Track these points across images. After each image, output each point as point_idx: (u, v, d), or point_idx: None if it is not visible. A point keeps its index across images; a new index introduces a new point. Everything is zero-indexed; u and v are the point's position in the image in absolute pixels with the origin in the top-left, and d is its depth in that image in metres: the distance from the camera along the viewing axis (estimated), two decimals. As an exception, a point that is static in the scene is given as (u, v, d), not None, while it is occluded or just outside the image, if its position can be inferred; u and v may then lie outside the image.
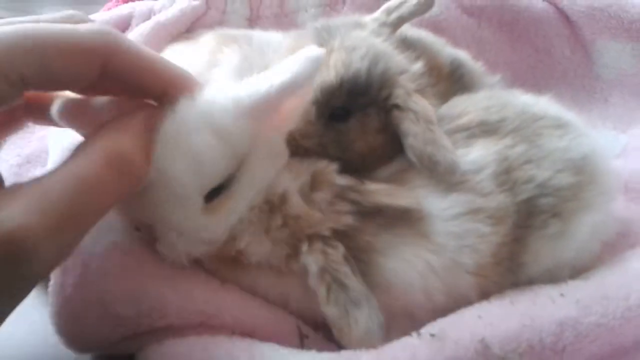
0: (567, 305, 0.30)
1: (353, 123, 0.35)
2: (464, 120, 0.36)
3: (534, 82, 0.53)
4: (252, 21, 0.54)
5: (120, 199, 0.26)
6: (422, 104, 0.35)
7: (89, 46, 0.27)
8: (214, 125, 0.29)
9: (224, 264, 0.33)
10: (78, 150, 0.26)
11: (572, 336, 0.29)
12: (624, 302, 0.31)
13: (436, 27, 0.51)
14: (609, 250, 0.36)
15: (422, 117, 0.34)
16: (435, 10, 0.52)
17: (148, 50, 0.30)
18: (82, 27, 0.27)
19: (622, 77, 0.50)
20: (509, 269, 0.33)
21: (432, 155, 0.33)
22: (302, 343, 0.33)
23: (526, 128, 0.35)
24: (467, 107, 0.37)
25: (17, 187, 0.24)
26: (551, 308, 0.30)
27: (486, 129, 0.36)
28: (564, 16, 0.52)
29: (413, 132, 0.34)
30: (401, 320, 0.32)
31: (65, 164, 0.25)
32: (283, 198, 0.32)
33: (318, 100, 0.34)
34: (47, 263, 0.23)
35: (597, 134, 0.38)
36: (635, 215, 0.40)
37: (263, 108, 0.30)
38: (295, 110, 0.32)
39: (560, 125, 0.36)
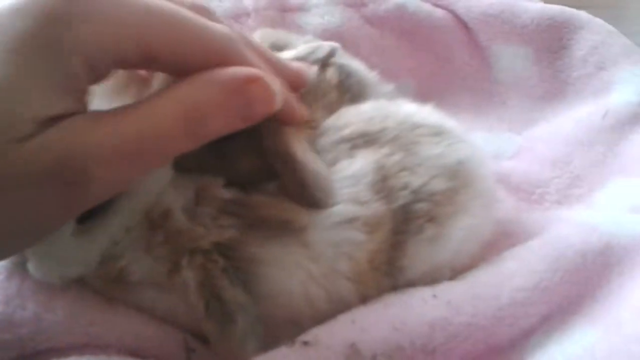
0: (438, 307, 0.31)
1: (237, 142, 0.35)
2: (347, 132, 0.37)
3: (437, 88, 0.55)
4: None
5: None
6: (284, 143, 0.34)
7: (217, 48, 0.27)
8: None
9: (107, 283, 0.33)
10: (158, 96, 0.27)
11: (442, 337, 0.30)
12: (495, 302, 0.32)
13: (339, 38, 0.52)
14: (492, 250, 0.38)
15: (289, 160, 0.33)
16: (337, 21, 0.53)
17: (266, 56, 0.32)
18: (216, 27, 0.28)
19: (517, 80, 0.53)
20: (387, 274, 0.34)
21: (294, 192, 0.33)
22: (188, 357, 0.33)
23: (404, 137, 0.36)
24: (351, 118, 0.38)
25: (95, 115, 0.25)
26: (422, 309, 0.31)
27: (367, 139, 0.36)
28: (462, 23, 0.54)
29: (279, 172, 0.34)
30: (287, 328, 0.32)
31: (141, 105, 0.26)
32: (165, 214, 0.32)
33: None
34: (99, 193, 0.25)
35: (475, 140, 0.39)
36: (523, 214, 0.42)
37: None
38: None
39: (437, 133, 0.37)
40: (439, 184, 0.34)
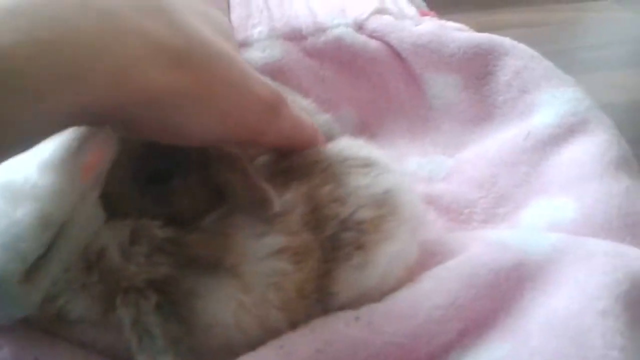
0: (360, 328, 0.34)
1: (176, 183, 0.36)
2: (283, 164, 0.39)
3: (376, 115, 0.58)
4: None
5: None
6: (235, 153, 0.36)
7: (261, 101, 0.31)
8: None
9: (49, 321, 0.34)
10: None
11: (364, 357, 0.33)
12: (414, 320, 0.34)
13: (279, 71, 0.55)
14: (420, 270, 0.40)
15: (237, 165, 0.36)
16: (277, 55, 0.56)
17: (300, 119, 0.37)
18: (259, 81, 0.31)
19: (449, 106, 0.56)
20: (318, 300, 0.36)
21: (250, 199, 0.35)
22: (130, 390, 0.34)
23: (335, 168, 0.39)
24: (288, 153, 0.40)
25: None
26: (345, 332, 0.33)
27: (302, 172, 0.39)
28: (396, 53, 0.57)
29: (231, 181, 0.35)
30: (221, 356, 0.34)
31: None
32: (100, 253, 0.34)
33: (133, 161, 0.36)
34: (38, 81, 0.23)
35: (404, 168, 0.42)
36: (449, 235, 0.45)
37: (70, 165, 0.31)
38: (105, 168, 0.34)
39: (367, 164, 0.40)
40: (366, 213, 0.36)
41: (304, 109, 0.47)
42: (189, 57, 0.27)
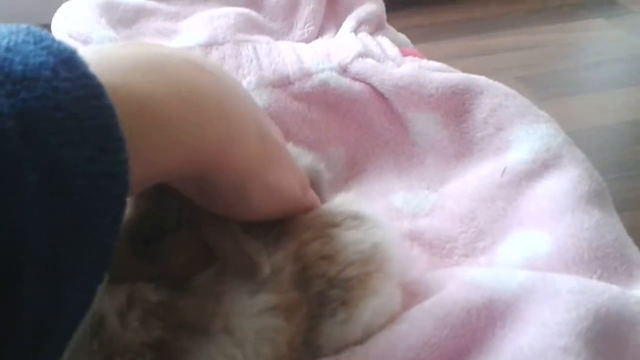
0: (341, 370, 0.36)
1: (168, 241, 0.38)
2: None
3: (363, 152, 0.60)
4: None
5: None
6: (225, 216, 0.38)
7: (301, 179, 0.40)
8: None
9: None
10: None
11: (344, 397, 0.35)
12: (390, 362, 0.37)
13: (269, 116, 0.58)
14: (402, 311, 0.42)
15: (228, 229, 0.37)
16: (265, 103, 0.59)
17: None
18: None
19: (432, 142, 0.58)
20: (305, 352, 0.38)
21: (240, 264, 0.37)
22: None
23: (327, 223, 0.40)
24: None
25: None
26: (327, 374, 0.36)
27: (293, 225, 0.40)
28: (379, 94, 0.60)
29: (221, 245, 0.37)
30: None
31: None
32: (101, 321, 0.36)
33: (128, 224, 0.37)
34: None
35: (390, 224, 0.44)
36: (431, 274, 0.47)
37: None
38: None
39: (357, 218, 0.41)
40: (353, 271, 0.38)
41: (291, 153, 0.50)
42: (265, 136, 0.34)
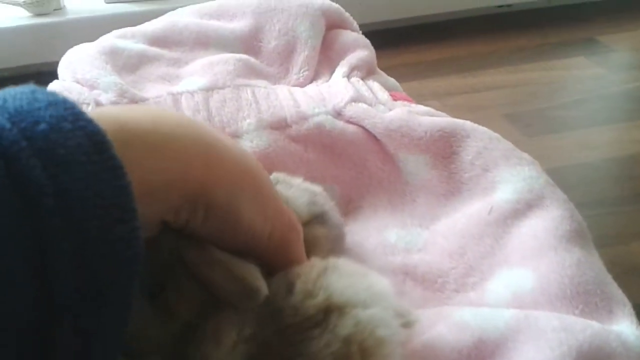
0: None
1: (169, 293, 0.37)
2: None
3: (357, 191, 0.63)
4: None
5: None
6: (205, 250, 0.36)
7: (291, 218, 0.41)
8: None
9: None
10: None
11: None
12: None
13: (266, 158, 0.61)
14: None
15: (216, 262, 0.36)
16: (264, 144, 0.62)
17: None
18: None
19: (423, 181, 0.61)
20: None
21: (233, 292, 0.36)
22: None
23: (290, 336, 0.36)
24: None
25: None
26: None
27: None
28: (372, 136, 0.63)
29: (212, 278, 0.36)
30: None
31: None
32: None
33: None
34: None
35: (378, 294, 0.40)
36: (422, 313, 0.48)
37: None
38: None
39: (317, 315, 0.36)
40: None
41: (296, 186, 0.52)
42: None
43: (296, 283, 0.38)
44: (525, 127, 0.97)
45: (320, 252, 0.44)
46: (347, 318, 0.35)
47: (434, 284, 0.53)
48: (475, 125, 0.60)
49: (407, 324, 0.40)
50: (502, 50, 1.21)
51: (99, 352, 0.26)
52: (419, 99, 0.80)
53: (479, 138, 0.59)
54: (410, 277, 0.54)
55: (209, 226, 0.34)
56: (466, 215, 0.57)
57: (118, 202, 0.25)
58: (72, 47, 0.73)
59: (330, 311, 0.36)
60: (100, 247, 0.25)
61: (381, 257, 0.56)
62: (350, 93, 0.66)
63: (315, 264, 0.40)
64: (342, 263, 0.41)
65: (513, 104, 1.04)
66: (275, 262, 0.39)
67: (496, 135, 0.60)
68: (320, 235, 0.48)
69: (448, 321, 0.43)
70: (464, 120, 0.61)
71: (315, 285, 0.37)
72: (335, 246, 0.51)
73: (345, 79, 0.70)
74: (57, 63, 0.72)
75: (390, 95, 0.68)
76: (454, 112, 0.70)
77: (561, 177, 0.59)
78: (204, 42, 0.76)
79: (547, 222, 0.52)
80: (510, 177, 0.56)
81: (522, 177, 0.55)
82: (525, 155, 0.58)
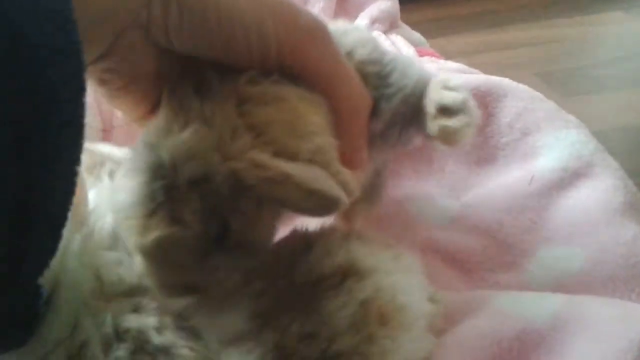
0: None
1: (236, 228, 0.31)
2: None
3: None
4: (107, 132, 0.57)
5: None
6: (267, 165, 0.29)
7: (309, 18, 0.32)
8: None
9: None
10: None
11: None
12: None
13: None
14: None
15: (285, 177, 0.28)
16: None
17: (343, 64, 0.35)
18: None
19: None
20: None
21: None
22: None
23: (308, 294, 0.34)
24: None
25: None
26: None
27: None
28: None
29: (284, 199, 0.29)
30: None
31: None
32: (82, 346, 0.33)
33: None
34: None
35: (400, 263, 0.37)
36: (451, 298, 0.42)
37: None
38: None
39: (336, 275, 0.35)
40: (344, 342, 0.32)
41: None
42: None
43: (317, 241, 0.36)
44: (559, 87, 0.89)
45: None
46: (366, 283, 0.34)
47: (465, 264, 0.48)
48: (515, 83, 0.53)
49: (434, 299, 0.37)
50: (534, 4, 1.12)
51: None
52: (444, 57, 0.73)
53: (519, 97, 0.52)
54: (440, 256, 0.48)
55: (187, 28, 0.29)
56: (502, 185, 0.50)
57: (56, 9, 0.23)
58: None
59: (348, 276, 0.34)
60: (40, 51, 0.23)
61: (401, 232, 0.51)
62: (372, 47, 0.59)
63: (339, 228, 0.39)
64: (367, 233, 0.39)
65: (546, 63, 0.96)
66: (295, 69, 0.32)
67: (538, 94, 0.53)
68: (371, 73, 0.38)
69: (484, 308, 0.38)
70: (502, 78, 0.54)
71: (335, 246, 0.35)
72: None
73: (366, 32, 0.63)
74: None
75: (417, 51, 0.61)
76: (482, 71, 0.63)
77: (602, 142, 0.51)
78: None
79: (598, 193, 0.45)
80: (555, 141, 0.49)
81: (569, 142, 0.48)
82: (572, 117, 0.51)
